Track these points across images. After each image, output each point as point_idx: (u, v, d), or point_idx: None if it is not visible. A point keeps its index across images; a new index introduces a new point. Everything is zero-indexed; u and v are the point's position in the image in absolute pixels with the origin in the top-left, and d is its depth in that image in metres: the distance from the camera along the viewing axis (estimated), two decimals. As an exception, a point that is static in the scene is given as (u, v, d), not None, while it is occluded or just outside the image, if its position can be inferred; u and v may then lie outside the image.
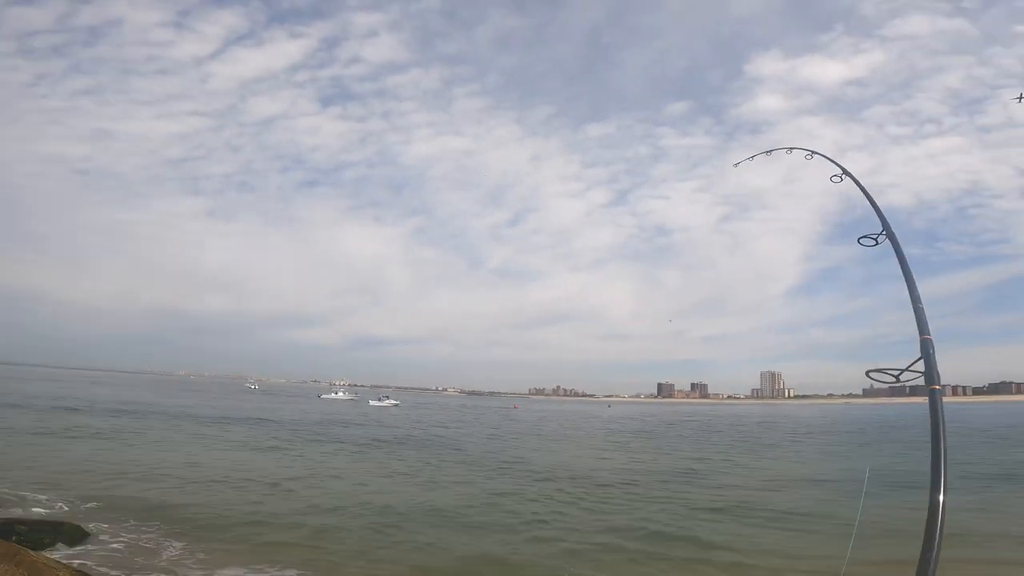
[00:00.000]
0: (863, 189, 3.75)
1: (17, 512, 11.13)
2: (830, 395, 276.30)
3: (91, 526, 10.56)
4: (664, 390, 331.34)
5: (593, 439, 42.47)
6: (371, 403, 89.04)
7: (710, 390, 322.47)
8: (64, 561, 7.98)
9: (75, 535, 9.87)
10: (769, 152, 5.07)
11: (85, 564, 8.47)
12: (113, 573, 8.49)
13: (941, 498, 2.25)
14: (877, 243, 3.12)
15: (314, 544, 11.31)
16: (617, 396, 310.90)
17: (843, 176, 3.92)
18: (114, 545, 9.88)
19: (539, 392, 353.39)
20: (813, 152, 4.49)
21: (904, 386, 3.31)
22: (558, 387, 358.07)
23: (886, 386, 2.92)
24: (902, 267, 2.99)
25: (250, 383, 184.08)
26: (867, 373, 2.66)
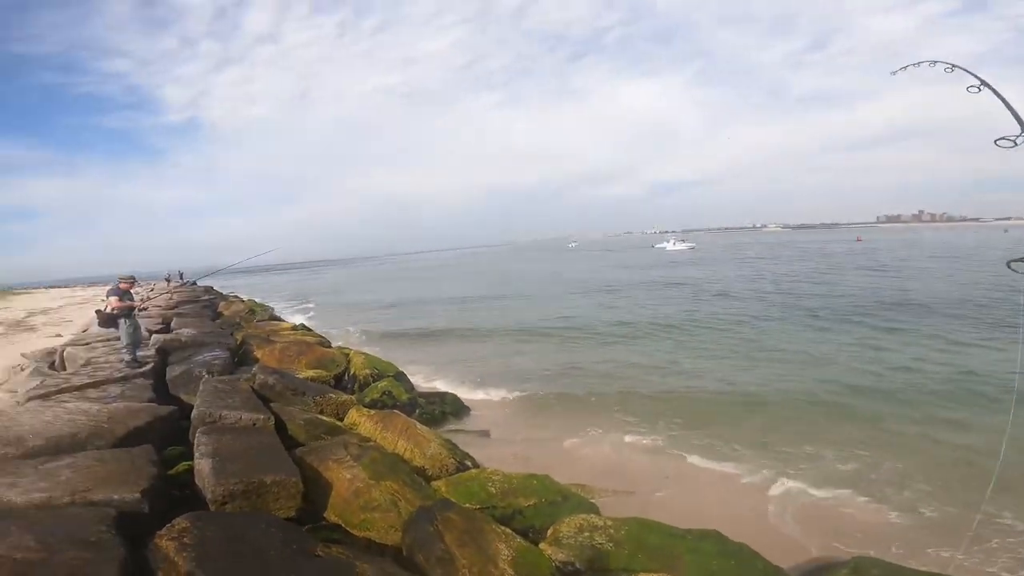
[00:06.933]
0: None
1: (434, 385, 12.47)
2: None
3: (473, 397, 11.30)
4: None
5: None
6: (666, 247, 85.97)
7: None
8: (441, 432, 8.47)
9: (456, 406, 11.17)
10: (918, 64, 4.65)
11: (455, 433, 8.89)
12: (483, 448, 8.37)
13: None
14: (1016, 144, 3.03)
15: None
16: (1017, 218, 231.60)
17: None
18: (487, 418, 10.21)
19: (894, 219, 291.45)
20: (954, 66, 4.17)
21: None
22: (920, 211, 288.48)
23: None
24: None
25: (572, 243, 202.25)
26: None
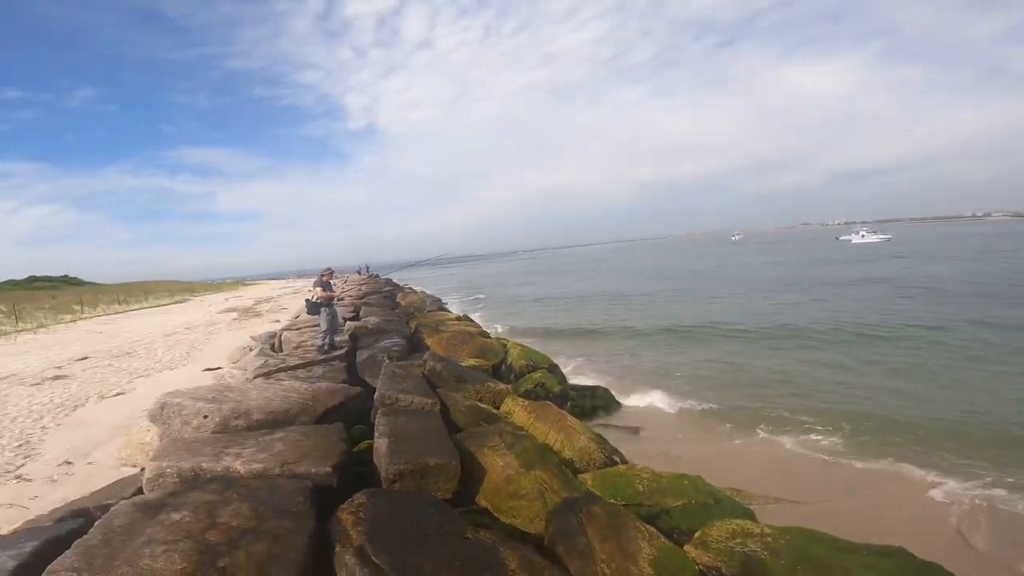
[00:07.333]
0: None
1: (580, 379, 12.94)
2: None
3: (625, 393, 11.22)
4: None
5: None
6: (852, 240, 75.25)
7: None
8: (591, 426, 8.72)
9: (607, 400, 11.36)
10: None
11: (605, 428, 9.06)
12: (633, 444, 8.44)
13: None
14: None
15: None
16: None
17: None
18: (639, 414, 10.10)
19: None
20: None
21: None
22: None
23: None
24: None
25: (735, 235, 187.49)
26: None
